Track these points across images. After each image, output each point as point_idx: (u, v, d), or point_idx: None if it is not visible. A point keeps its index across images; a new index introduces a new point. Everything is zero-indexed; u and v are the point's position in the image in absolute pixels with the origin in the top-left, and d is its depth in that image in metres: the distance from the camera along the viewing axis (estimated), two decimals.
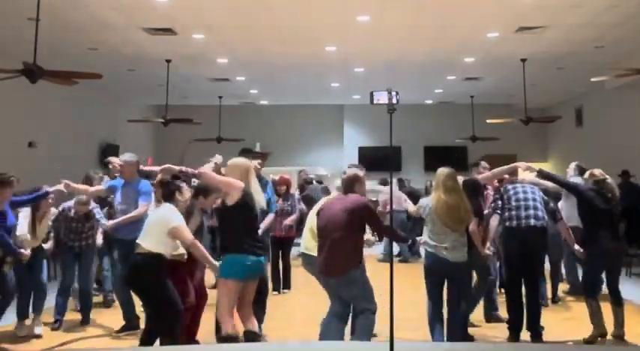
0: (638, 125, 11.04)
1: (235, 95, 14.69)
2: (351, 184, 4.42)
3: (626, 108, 11.51)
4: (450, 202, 4.43)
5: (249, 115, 16.56)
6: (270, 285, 6.13)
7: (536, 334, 4.84)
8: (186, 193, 4.51)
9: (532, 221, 4.86)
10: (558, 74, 11.68)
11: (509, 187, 5.12)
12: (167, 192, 4.44)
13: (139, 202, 5.26)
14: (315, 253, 4.55)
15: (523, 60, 10.24)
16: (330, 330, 4.29)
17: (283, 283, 7.38)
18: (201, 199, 4.72)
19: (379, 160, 13.81)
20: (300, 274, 6.21)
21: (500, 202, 5.05)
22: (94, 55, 9.95)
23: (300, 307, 6.51)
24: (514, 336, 4.89)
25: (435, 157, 15.72)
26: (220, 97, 14.49)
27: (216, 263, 4.19)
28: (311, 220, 4.79)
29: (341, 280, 4.22)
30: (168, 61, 10.52)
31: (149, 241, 4.20)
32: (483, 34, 8.97)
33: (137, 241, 4.26)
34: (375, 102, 3.45)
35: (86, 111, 12.95)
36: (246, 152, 5.17)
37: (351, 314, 4.45)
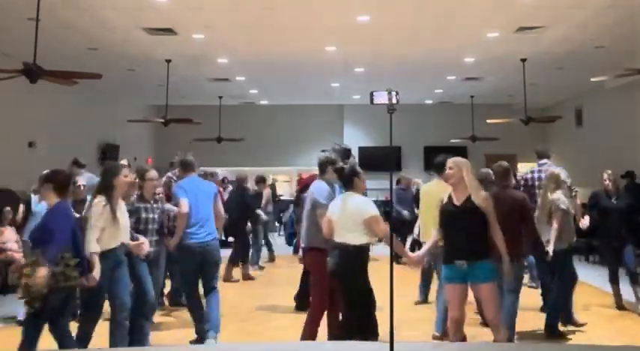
0: (638, 125, 11.03)
1: (235, 95, 14.69)
2: (506, 175, 4.95)
3: (626, 108, 11.50)
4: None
5: (249, 115, 16.56)
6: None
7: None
8: (364, 177, 4.34)
9: None
10: (558, 74, 11.67)
11: None
12: (347, 179, 4.29)
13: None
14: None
15: (523, 60, 10.24)
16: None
17: None
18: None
19: (379, 160, 13.76)
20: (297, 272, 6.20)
21: None
22: (94, 55, 9.94)
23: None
24: None
25: (434, 157, 15.69)
26: (220, 97, 14.50)
27: (412, 254, 4.33)
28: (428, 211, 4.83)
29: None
30: (168, 61, 10.52)
31: (350, 234, 4.12)
32: (483, 34, 8.97)
33: (337, 234, 4.18)
34: (375, 102, 3.44)
35: (86, 111, 12.96)
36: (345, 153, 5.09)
37: None
